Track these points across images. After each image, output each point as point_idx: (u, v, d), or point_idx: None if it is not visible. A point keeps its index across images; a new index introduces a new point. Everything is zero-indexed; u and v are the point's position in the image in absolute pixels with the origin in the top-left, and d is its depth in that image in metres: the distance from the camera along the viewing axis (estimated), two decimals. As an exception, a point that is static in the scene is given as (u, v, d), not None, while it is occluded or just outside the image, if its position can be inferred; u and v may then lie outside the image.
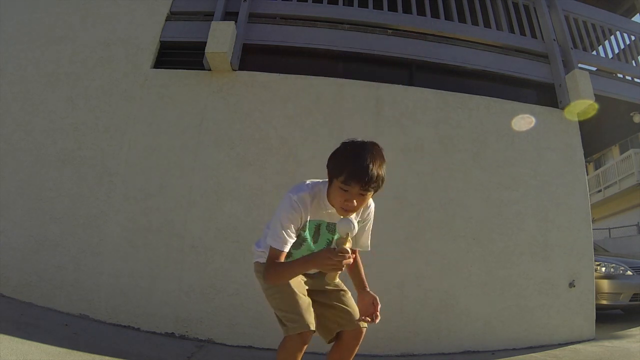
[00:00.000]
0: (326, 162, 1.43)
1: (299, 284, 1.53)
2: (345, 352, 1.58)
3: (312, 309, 1.49)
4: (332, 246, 1.41)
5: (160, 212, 3.30)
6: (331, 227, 1.51)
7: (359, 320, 1.55)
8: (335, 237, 1.49)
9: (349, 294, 1.64)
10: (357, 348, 1.59)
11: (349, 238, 1.29)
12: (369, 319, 1.53)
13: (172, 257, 3.20)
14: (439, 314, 3.27)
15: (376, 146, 1.38)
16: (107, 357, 2.29)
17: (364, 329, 1.58)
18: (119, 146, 3.47)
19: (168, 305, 3.12)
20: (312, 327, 1.43)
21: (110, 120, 3.55)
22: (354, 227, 1.30)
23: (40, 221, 3.30)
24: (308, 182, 1.53)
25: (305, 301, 1.49)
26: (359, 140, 1.40)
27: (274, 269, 1.41)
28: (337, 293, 1.62)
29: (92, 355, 2.25)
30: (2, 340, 2.12)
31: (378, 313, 1.52)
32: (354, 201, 1.34)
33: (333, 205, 1.42)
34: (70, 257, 3.21)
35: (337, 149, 1.41)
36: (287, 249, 1.42)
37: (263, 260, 1.52)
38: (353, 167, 1.30)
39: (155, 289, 3.14)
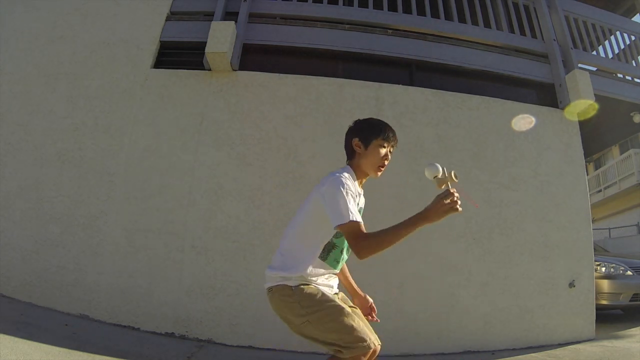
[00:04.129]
0: (347, 138, 1.59)
1: (342, 300, 1.47)
2: None
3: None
4: (439, 195, 1.40)
5: (160, 212, 3.30)
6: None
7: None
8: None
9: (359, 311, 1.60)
10: None
11: (444, 175, 1.42)
12: (372, 319, 1.64)
13: (172, 257, 3.20)
14: (439, 314, 3.27)
15: None
16: (107, 357, 2.29)
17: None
18: (119, 146, 3.47)
19: (168, 305, 3.12)
20: (378, 341, 1.37)
21: (110, 120, 3.55)
22: (439, 166, 1.42)
23: (40, 221, 3.30)
24: (336, 170, 1.54)
25: (355, 315, 1.41)
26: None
27: (373, 238, 1.33)
28: (357, 312, 1.57)
29: (92, 355, 2.25)
30: (2, 340, 2.12)
31: (374, 314, 1.67)
32: (389, 156, 1.58)
33: (364, 174, 1.59)
34: (70, 257, 3.21)
35: (363, 121, 1.61)
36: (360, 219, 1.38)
37: (293, 282, 1.41)
38: (387, 126, 1.58)
39: (155, 289, 3.14)
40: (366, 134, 1.55)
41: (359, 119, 1.64)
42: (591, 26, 4.68)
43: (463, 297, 3.32)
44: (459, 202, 1.36)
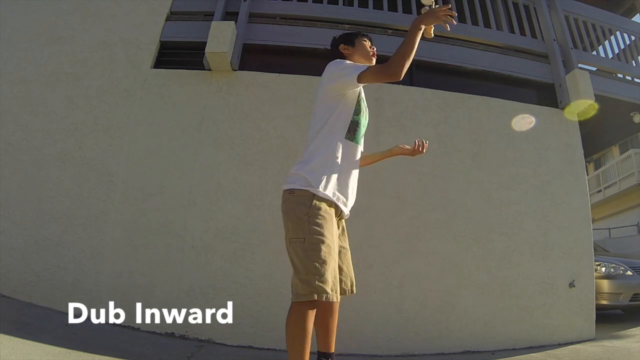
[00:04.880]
0: (331, 53, 1.78)
1: (336, 246, 1.49)
2: (333, 317, 1.59)
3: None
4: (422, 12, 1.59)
5: (160, 212, 3.30)
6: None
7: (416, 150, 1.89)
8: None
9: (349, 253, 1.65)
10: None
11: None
12: (422, 147, 1.90)
13: (172, 257, 3.20)
14: (439, 314, 3.27)
15: None
16: (107, 357, 2.29)
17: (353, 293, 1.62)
18: (119, 146, 3.47)
19: (168, 305, 3.12)
20: (338, 298, 1.43)
21: (110, 120, 3.55)
22: None
23: (40, 221, 3.30)
24: None
25: (336, 269, 1.46)
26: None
27: (393, 62, 1.54)
28: (346, 254, 1.62)
29: (92, 355, 2.25)
30: (2, 340, 2.12)
31: (418, 142, 1.89)
32: (374, 48, 1.79)
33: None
34: (70, 257, 3.20)
35: (338, 35, 1.82)
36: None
37: (308, 186, 1.47)
38: (360, 31, 1.85)
39: (155, 289, 3.14)
40: (347, 37, 1.79)
41: (336, 36, 1.83)
42: (591, 26, 4.68)
43: (463, 297, 3.32)
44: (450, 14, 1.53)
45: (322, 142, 1.57)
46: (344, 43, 1.77)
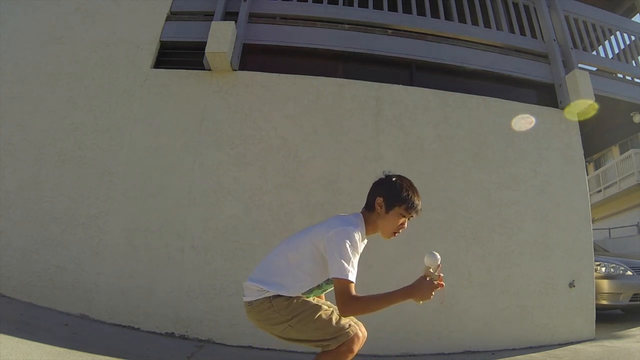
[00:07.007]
0: (373, 191, 1.58)
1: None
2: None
3: None
4: (425, 277, 1.44)
5: (160, 212, 3.30)
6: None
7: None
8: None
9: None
10: None
11: (438, 269, 1.43)
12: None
13: (172, 257, 3.20)
14: (439, 314, 3.27)
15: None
16: (107, 357, 2.29)
17: None
18: (119, 146, 3.47)
19: (168, 305, 3.12)
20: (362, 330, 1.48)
21: (110, 120, 3.55)
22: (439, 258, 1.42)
23: (40, 221, 3.30)
24: (348, 216, 1.57)
25: (328, 308, 1.50)
26: (400, 175, 1.61)
27: (361, 302, 1.38)
28: (328, 305, 1.61)
29: (92, 355, 2.25)
30: (2, 340, 2.12)
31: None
32: (405, 225, 1.56)
33: (374, 232, 1.59)
34: (70, 257, 3.21)
35: (394, 182, 1.55)
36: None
37: (285, 292, 1.45)
38: (414, 196, 1.54)
39: (155, 289, 3.14)
40: (392, 198, 1.53)
41: (391, 177, 1.58)
42: (591, 26, 4.68)
43: (463, 297, 3.32)
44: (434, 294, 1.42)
45: (282, 277, 1.48)
46: (384, 199, 1.52)
